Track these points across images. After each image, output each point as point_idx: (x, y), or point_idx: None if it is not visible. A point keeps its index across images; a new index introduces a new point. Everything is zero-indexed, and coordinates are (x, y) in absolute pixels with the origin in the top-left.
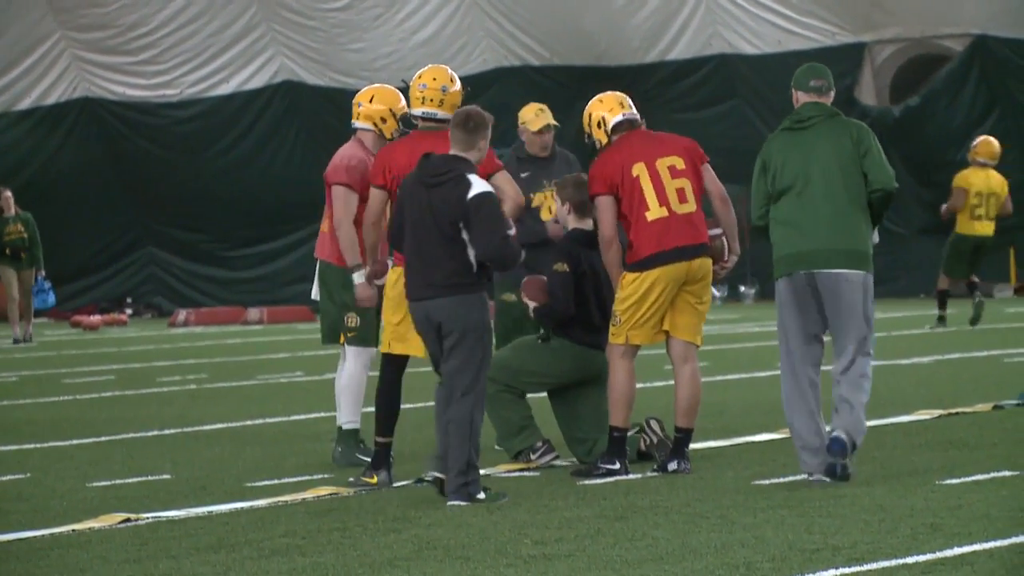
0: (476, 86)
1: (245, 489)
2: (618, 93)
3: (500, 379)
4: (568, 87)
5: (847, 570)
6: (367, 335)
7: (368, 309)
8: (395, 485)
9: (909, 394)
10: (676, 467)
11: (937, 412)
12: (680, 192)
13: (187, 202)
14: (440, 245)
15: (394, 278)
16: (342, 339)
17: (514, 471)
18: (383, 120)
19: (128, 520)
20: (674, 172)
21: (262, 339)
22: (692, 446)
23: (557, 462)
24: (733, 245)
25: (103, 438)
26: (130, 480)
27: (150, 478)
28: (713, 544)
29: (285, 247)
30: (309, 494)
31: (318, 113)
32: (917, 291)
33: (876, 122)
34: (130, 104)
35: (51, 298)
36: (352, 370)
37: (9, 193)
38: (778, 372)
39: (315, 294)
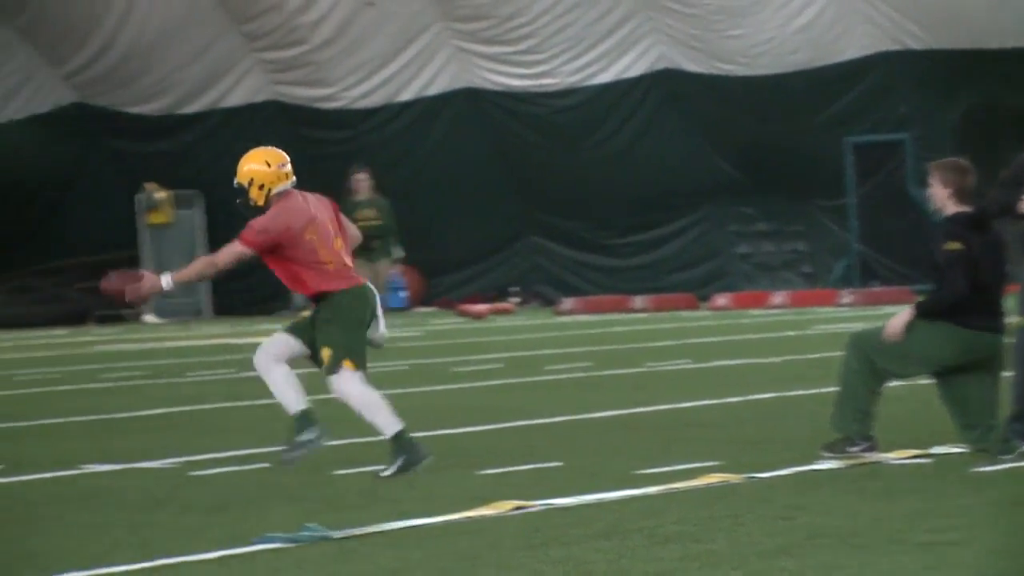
0: (857, 71)
1: (635, 476)
2: None
3: (878, 360)
4: (950, 71)
5: None
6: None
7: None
8: (782, 472)
9: None
10: None
11: None
12: None
13: (569, 191)
14: None
15: None
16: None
17: (906, 458)
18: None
19: (520, 507)
20: None
21: (647, 327)
22: None
23: (953, 449)
24: None
25: (493, 426)
26: (521, 467)
27: (541, 465)
28: None
29: (669, 234)
30: (699, 482)
31: (698, 100)
32: None
33: None
34: (511, 94)
35: (401, 296)
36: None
37: (363, 175)
38: None
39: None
